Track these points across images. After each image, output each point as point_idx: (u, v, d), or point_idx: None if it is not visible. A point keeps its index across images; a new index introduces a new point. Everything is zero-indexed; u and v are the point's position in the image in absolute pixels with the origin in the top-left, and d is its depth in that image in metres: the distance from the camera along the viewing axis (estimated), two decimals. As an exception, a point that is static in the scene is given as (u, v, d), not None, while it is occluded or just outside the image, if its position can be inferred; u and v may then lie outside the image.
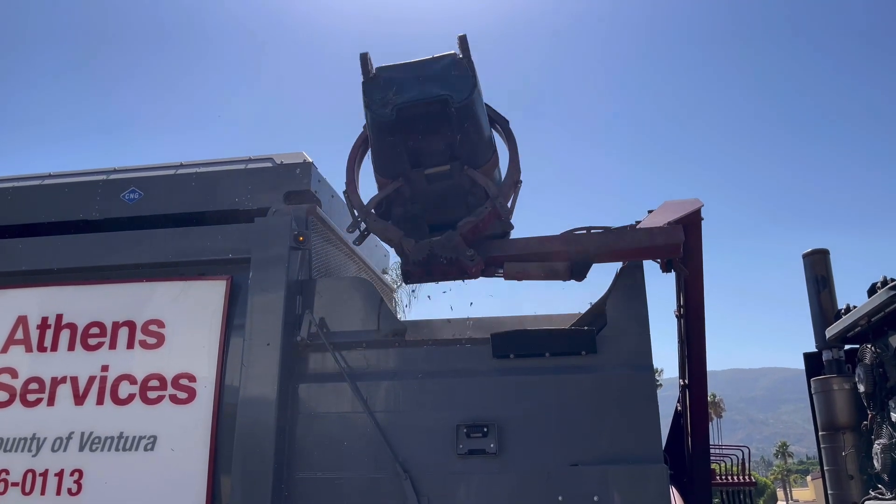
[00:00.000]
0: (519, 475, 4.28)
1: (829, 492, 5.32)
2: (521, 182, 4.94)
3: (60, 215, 5.27)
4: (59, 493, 4.46)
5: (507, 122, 4.96)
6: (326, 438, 4.57)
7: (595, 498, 4.07)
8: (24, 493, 4.48)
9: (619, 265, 4.96)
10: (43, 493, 4.47)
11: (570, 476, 4.17)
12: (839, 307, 5.41)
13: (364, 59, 4.53)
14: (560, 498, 4.12)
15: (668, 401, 5.76)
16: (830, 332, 5.14)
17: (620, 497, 4.05)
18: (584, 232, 4.81)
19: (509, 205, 4.84)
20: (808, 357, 5.82)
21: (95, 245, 5.08)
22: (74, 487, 4.46)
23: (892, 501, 4.26)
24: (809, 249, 6.04)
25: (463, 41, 4.46)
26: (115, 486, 4.44)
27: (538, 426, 4.39)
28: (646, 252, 4.71)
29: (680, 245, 4.60)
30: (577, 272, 4.69)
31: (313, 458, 4.53)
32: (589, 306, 5.61)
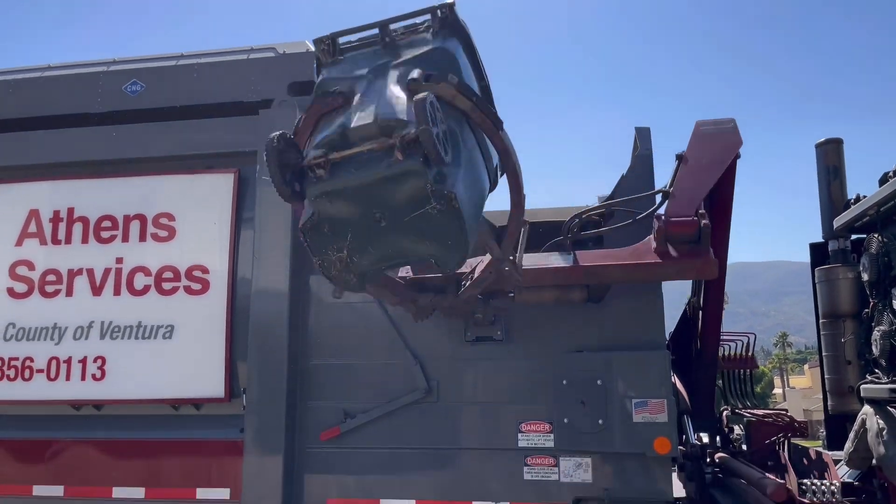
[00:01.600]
0: (525, 360, 4.42)
1: (826, 376, 5.49)
2: (528, 224, 3.81)
3: (63, 108, 5.20)
4: (83, 378, 4.65)
5: (501, 125, 3.44)
6: (339, 327, 4.70)
7: (598, 382, 4.21)
8: (49, 378, 4.68)
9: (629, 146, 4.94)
10: (68, 378, 4.66)
11: (574, 361, 4.30)
12: (849, 197, 5.39)
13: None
14: (564, 382, 4.27)
15: (674, 287, 5.80)
16: (838, 221, 5.14)
17: (623, 381, 4.19)
18: (605, 263, 4.33)
19: (517, 252, 3.72)
20: (815, 247, 5.86)
21: (102, 138, 5.04)
22: (98, 373, 4.64)
23: (888, 385, 4.39)
24: (823, 139, 5.96)
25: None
26: (137, 371, 4.62)
27: (544, 315, 4.49)
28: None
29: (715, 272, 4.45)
30: (595, 298, 4.50)
31: (326, 346, 4.68)
32: (598, 200, 5.62)
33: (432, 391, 4.47)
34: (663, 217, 4.30)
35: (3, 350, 4.77)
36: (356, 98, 3.20)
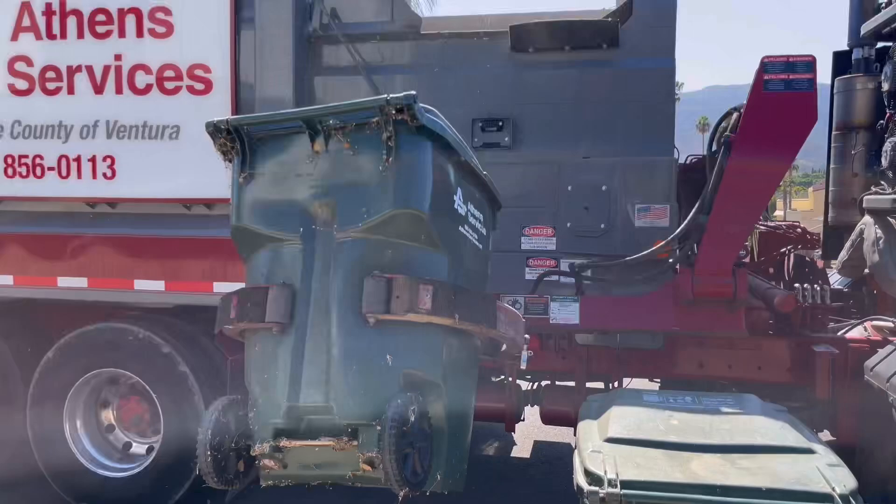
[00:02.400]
0: (531, 167, 4.43)
1: (830, 188, 5.52)
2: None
3: None
4: (94, 177, 4.70)
5: (495, 323, 3.02)
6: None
7: (603, 187, 4.25)
8: (61, 176, 4.73)
9: None
10: (79, 176, 4.71)
11: (580, 167, 4.31)
12: (880, 0, 5.10)
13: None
14: (569, 188, 4.32)
15: (682, 116, 5.67)
16: (865, 27, 4.90)
17: (628, 186, 4.23)
18: (615, 323, 4.27)
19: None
20: (838, 56, 5.63)
21: None
22: (109, 172, 4.68)
23: (892, 195, 4.43)
24: (863, -66, 5.53)
25: None
26: (147, 171, 4.66)
27: (553, 121, 4.44)
28: None
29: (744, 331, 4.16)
30: None
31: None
32: (616, 3, 5.32)
33: (440, 195, 4.52)
34: (693, 273, 3.98)
35: (13, 147, 4.79)
36: (294, 328, 2.60)
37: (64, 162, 4.73)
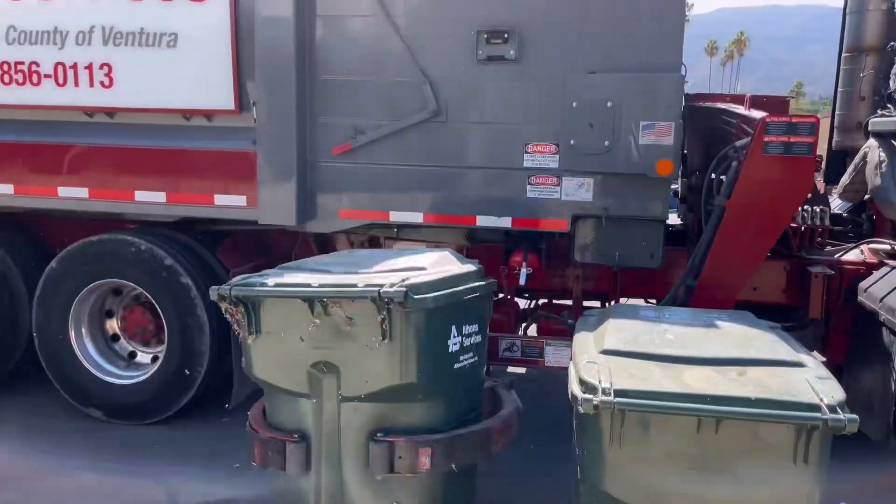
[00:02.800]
0: (536, 81, 4.35)
1: (836, 112, 5.48)
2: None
3: None
4: (91, 85, 4.62)
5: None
6: (346, 42, 4.56)
7: (608, 104, 4.18)
8: (57, 84, 4.65)
9: None
10: (76, 84, 4.63)
11: (586, 83, 4.24)
12: (903, -86, 4.92)
13: None
14: (574, 104, 4.25)
15: (691, 38, 5.48)
16: (884, -56, 4.75)
17: (633, 103, 4.14)
18: None
19: None
20: (853, -27, 5.49)
21: None
22: (106, 80, 4.60)
23: (897, 118, 4.39)
24: None
25: None
26: (145, 80, 4.58)
27: (559, 34, 4.33)
28: None
29: None
30: None
31: (335, 62, 4.58)
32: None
33: (441, 111, 4.47)
34: None
35: (8, 54, 4.68)
36: (312, 472, 3.06)
37: (60, 69, 4.64)
